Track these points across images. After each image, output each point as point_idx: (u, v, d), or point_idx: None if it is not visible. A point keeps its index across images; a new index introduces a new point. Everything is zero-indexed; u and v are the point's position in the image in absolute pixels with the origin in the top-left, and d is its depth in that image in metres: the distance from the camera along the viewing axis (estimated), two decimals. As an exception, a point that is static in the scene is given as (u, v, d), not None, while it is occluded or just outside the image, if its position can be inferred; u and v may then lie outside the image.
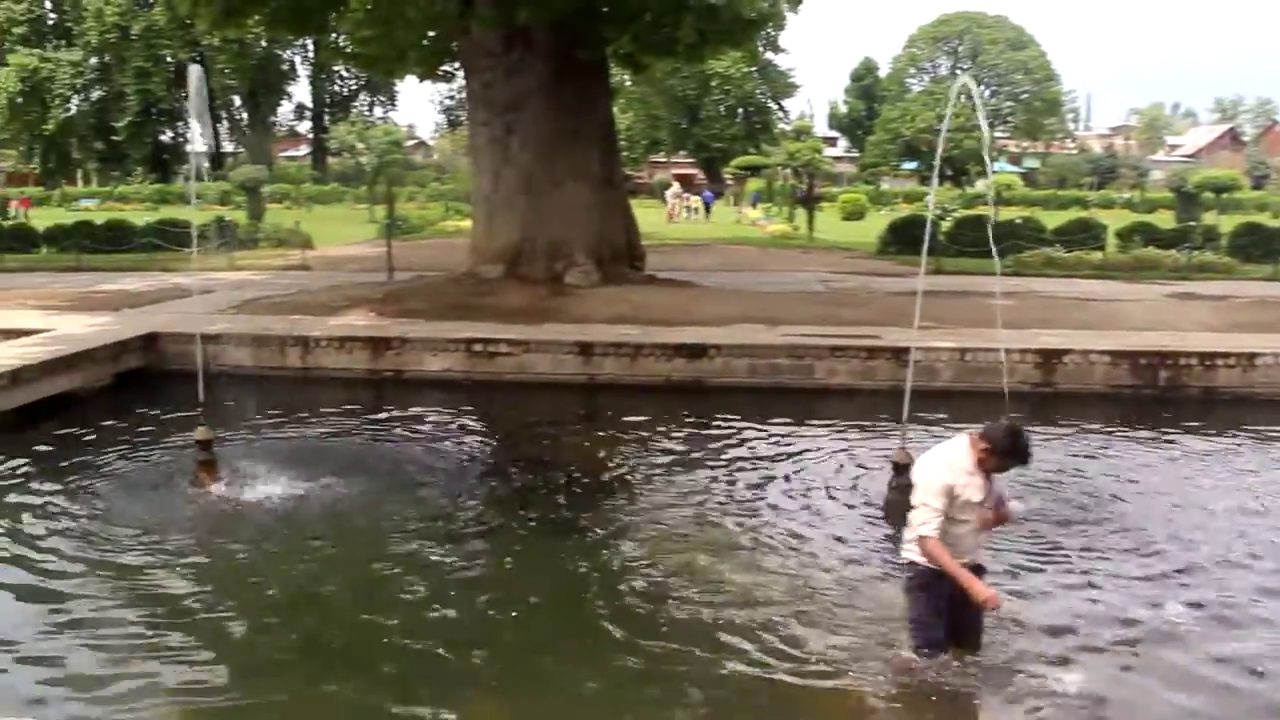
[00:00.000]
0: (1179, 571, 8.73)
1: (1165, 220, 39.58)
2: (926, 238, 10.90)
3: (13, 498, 10.49)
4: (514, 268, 20.66)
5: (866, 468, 11.61)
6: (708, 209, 57.87)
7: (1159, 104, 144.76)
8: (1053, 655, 7.13)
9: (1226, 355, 15.81)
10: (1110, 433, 13.70)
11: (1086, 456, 12.42)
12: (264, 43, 71.04)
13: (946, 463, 6.31)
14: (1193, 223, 36.43)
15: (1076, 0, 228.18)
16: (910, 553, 6.47)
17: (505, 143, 20.98)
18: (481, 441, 13.32)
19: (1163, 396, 15.44)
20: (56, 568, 8.67)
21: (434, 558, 8.98)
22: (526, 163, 20.81)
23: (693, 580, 8.42)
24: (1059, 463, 11.93)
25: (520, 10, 19.02)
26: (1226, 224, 35.60)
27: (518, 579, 8.72)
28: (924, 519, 6.23)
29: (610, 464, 11.94)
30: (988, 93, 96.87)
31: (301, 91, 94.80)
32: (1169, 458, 12.62)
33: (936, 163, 12.83)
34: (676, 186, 60.93)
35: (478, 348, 16.06)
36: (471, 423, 14.21)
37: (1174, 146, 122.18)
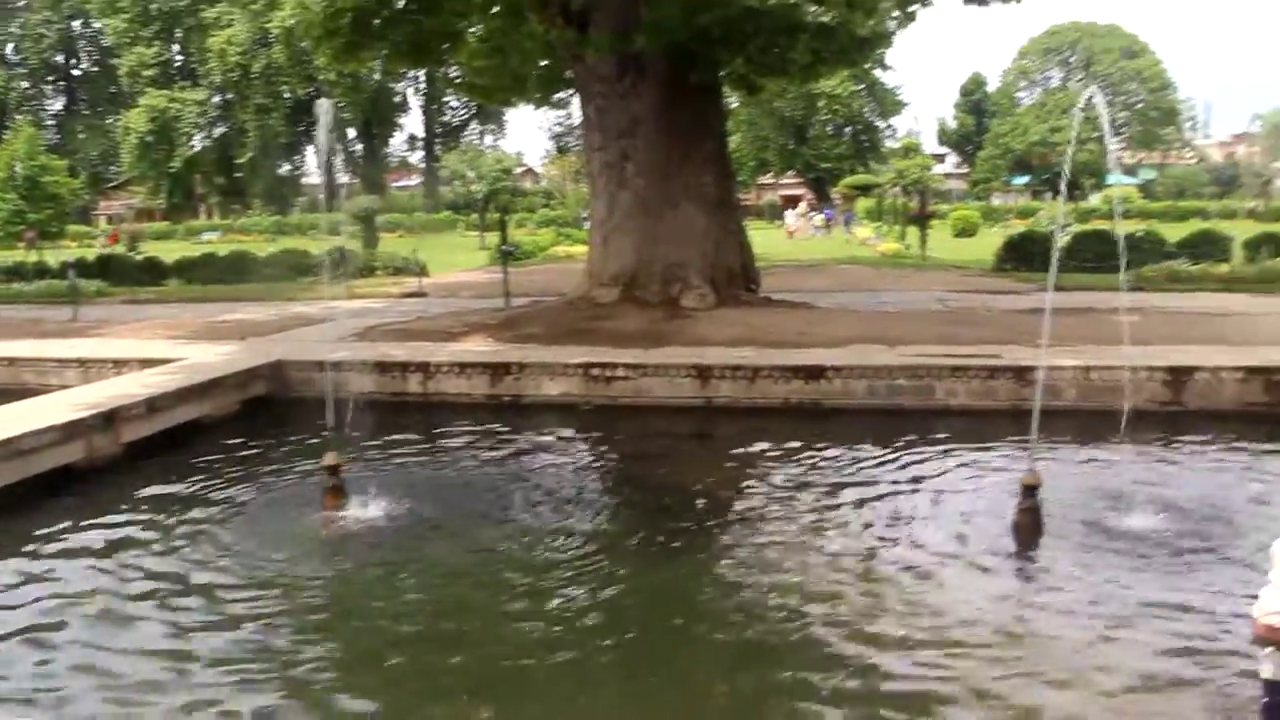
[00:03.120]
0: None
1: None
2: (1054, 253, 10.76)
3: (152, 519, 10.90)
4: (629, 291, 20.80)
5: (992, 489, 11.43)
6: (829, 225, 60.78)
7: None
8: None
9: (1367, 370, 15.27)
10: (1244, 451, 13.31)
11: (1218, 472, 12.17)
12: (377, 76, 72.74)
13: None
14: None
15: (1192, 6, 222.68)
16: (1271, 670, 5.10)
17: (620, 167, 21.17)
18: (600, 465, 13.44)
19: (1300, 413, 14.95)
20: (197, 584, 9.02)
21: (552, 582, 9.08)
22: (641, 187, 20.97)
23: (824, 608, 8.38)
24: (1190, 479, 11.74)
25: (636, 37, 19.25)
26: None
27: (629, 601, 8.80)
28: (1271, 603, 4.93)
29: (728, 487, 11.96)
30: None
31: (413, 122, 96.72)
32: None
33: (1065, 175, 12.70)
34: (803, 205, 64.54)
35: (595, 372, 16.19)
36: (590, 446, 14.35)
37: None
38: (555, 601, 8.63)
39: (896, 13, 24.85)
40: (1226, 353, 16.23)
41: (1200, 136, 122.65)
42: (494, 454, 13.71)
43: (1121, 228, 34.35)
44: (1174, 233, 33.25)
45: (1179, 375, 15.26)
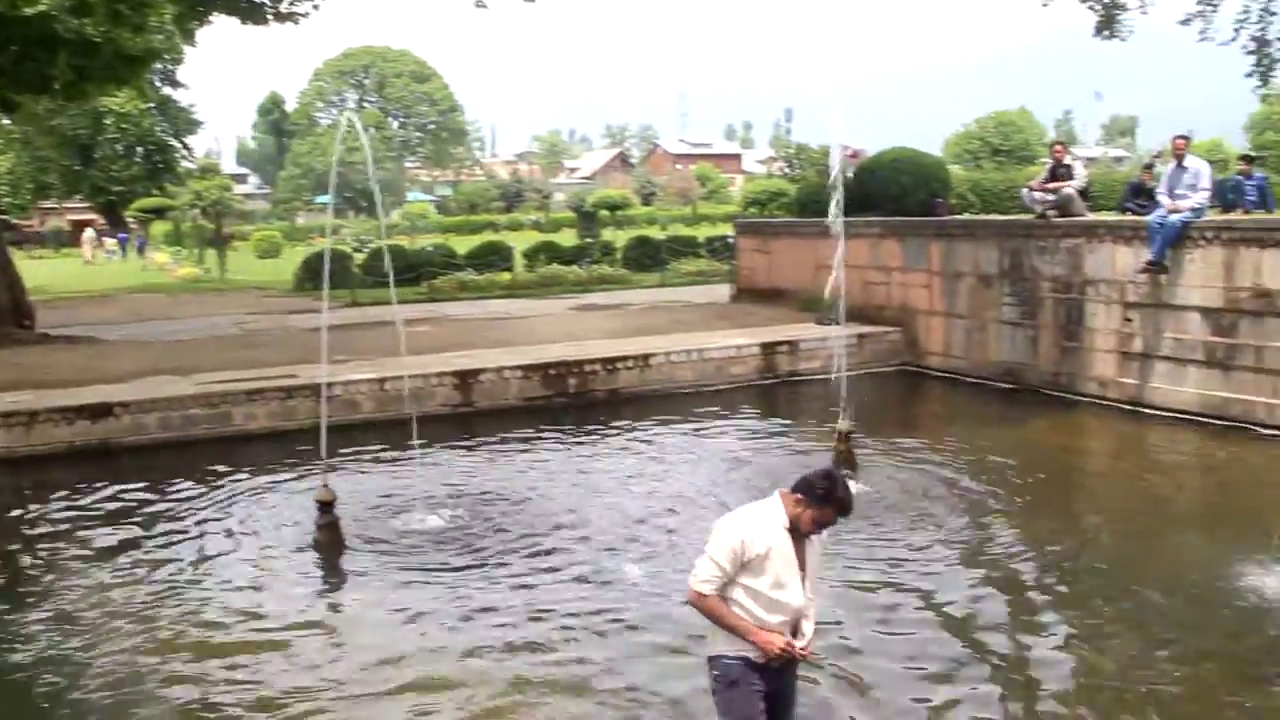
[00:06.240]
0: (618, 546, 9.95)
1: (569, 238, 42.33)
2: (326, 271, 10.88)
3: None
4: None
5: (287, 510, 11.33)
6: (124, 249, 59.42)
7: (557, 131, 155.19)
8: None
9: (625, 359, 17.20)
10: (527, 441, 14.36)
11: (507, 464, 13.04)
12: None
13: (747, 519, 5.27)
14: (591, 239, 39.32)
15: (474, 36, 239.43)
16: (712, 645, 5.37)
17: None
18: None
19: (573, 403, 16.46)
20: None
21: None
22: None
23: (134, 668, 7.81)
24: (482, 475, 12.46)
25: None
26: (621, 238, 38.88)
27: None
28: (702, 574, 5.19)
29: (5, 550, 10.75)
30: (396, 124, 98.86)
31: None
32: (580, 455, 13.69)
33: (332, 196, 12.86)
34: (90, 231, 60.66)
35: None
36: None
37: (573, 170, 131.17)
38: None
39: (174, 29, 24.03)
40: (509, 354, 17.47)
41: (488, 155, 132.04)
42: None
43: (411, 241, 35.87)
44: (466, 245, 35.35)
45: (467, 378, 16.18)
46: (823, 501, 5.13)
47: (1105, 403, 15.84)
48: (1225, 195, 18.02)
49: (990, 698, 7.04)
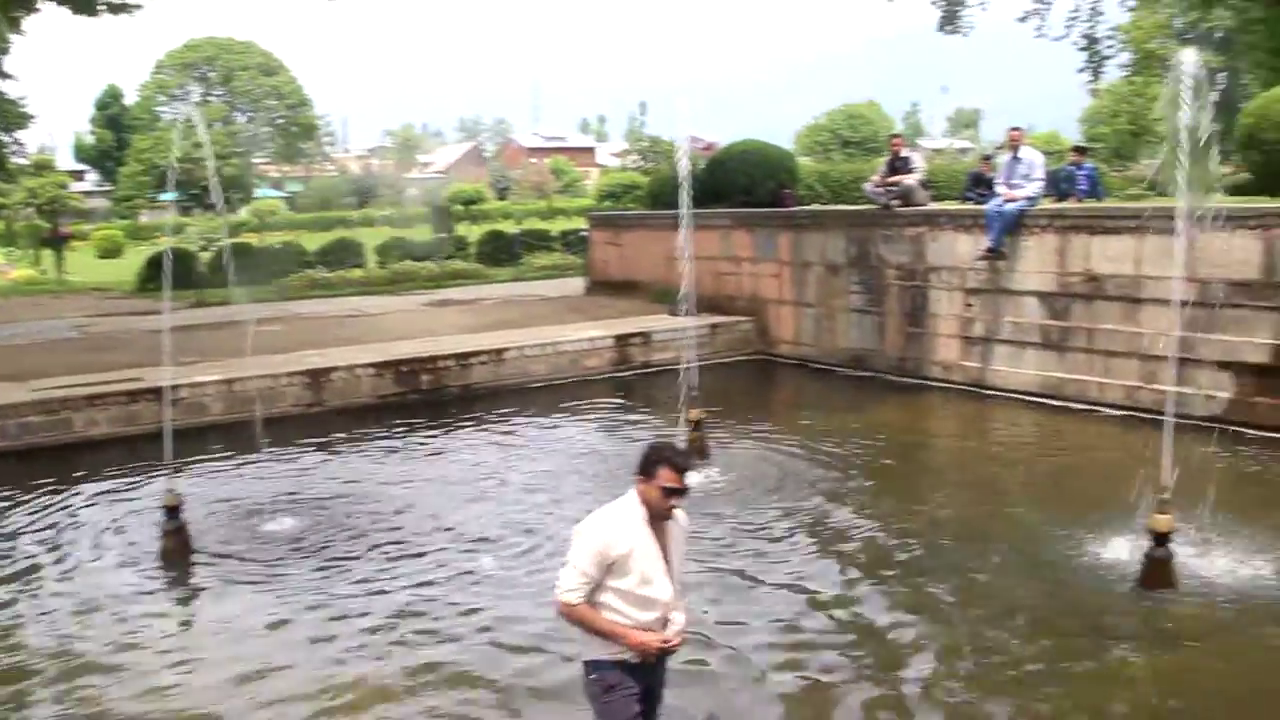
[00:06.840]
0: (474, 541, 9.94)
1: (423, 234, 41.81)
2: (168, 270, 10.62)
3: None
4: None
5: (137, 517, 10.99)
6: None
7: (410, 125, 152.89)
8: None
9: (479, 353, 17.15)
10: (380, 440, 14.21)
11: (361, 463, 12.88)
12: None
13: (606, 521, 5.19)
14: (444, 234, 38.91)
15: (323, 28, 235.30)
16: (587, 650, 5.30)
17: None
18: None
19: (427, 399, 16.31)
20: None
21: None
22: None
23: None
24: (336, 475, 12.29)
25: None
26: (476, 233, 38.65)
27: None
28: (567, 583, 5.11)
29: None
30: (243, 118, 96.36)
31: None
32: (434, 452, 13.64)
33: (172, 194, 12.49)
34: None
35: None
36: None
37: (426, 164, 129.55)
38: None
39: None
40: (361, 351, 17.25)
41: (340, 150, 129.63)
42: None
43: (261, 239, 34.99)
44: (316, 242, 34.72)
45: (318, 377, 15.91)
46: (655, 466, 5.09)
47: (949, 386, 16.37)
48: (1059, 184, 18.66)
49: (845, 676, 7.24)
